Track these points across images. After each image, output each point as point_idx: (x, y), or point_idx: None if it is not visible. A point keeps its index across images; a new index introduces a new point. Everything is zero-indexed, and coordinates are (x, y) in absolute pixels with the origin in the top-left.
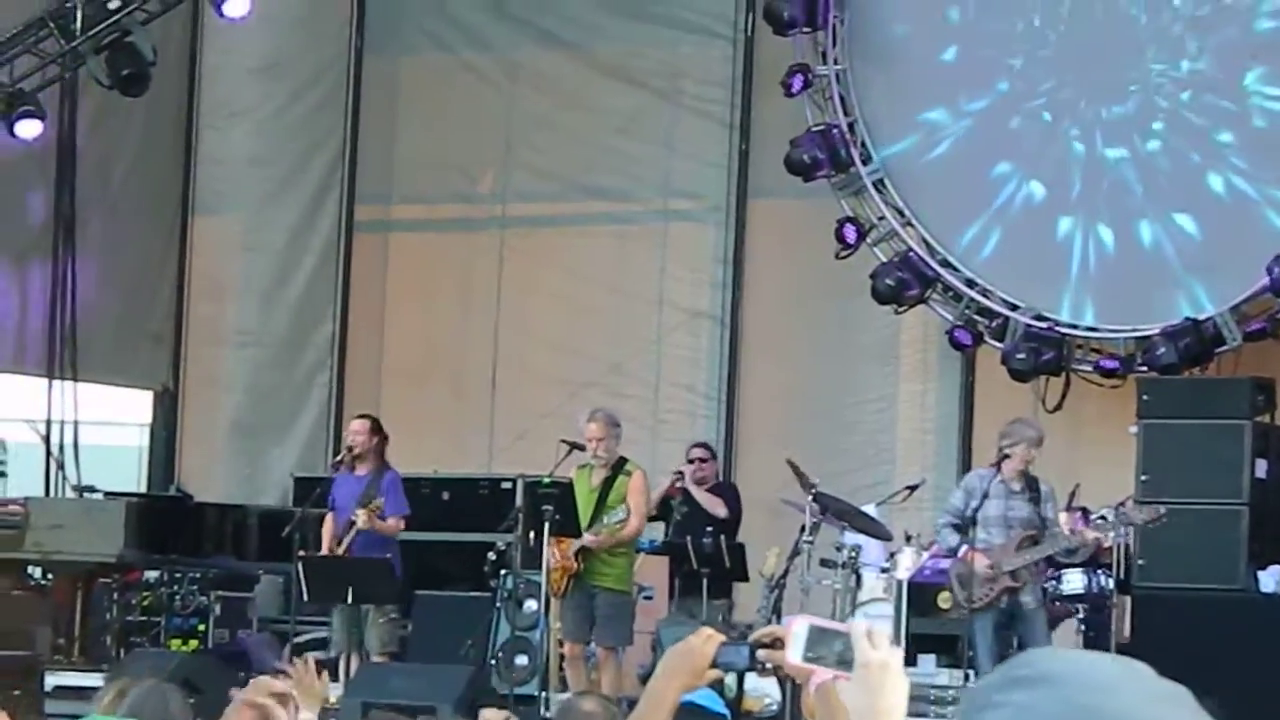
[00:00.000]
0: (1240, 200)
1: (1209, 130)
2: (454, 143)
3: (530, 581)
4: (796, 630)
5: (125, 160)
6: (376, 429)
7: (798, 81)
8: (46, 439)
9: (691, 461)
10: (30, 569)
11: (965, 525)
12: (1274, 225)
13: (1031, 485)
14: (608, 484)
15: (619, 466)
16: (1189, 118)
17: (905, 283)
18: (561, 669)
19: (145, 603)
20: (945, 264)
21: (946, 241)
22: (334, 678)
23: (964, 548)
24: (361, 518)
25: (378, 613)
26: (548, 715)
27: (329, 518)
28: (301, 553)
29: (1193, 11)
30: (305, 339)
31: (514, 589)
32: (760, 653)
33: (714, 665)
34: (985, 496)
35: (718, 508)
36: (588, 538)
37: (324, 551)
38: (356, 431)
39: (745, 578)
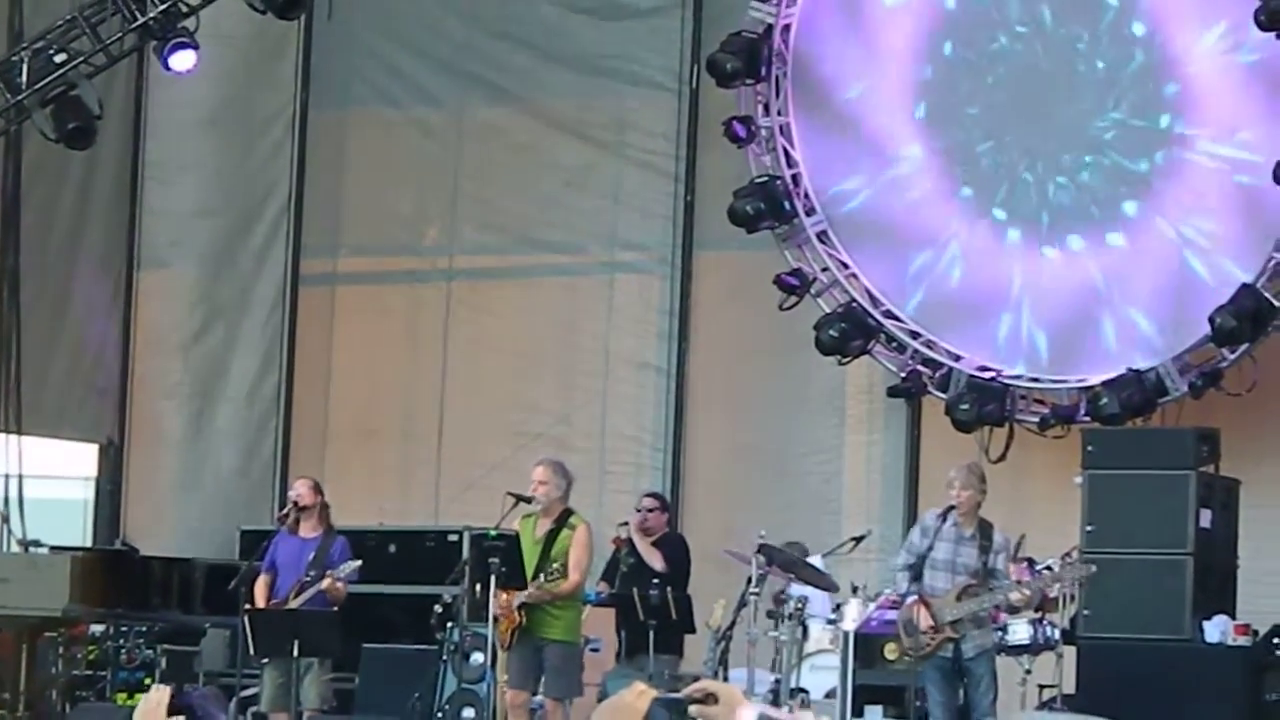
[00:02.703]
0: (1183, 255)
1: (1155, 187)
2: (400, 196)
3: (477, 634)
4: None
5: (70, 213)
6: (319, 490)
7: (741, 129)
8: None
9: (639, 510)
10: None
11: (922, 566)
12: (1216, 280)
13: (985, 533)
14: (552, 536)
15: (564, 519)
16: (1135, 176)
17: (849, 334)
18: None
19: (91, 657)
20: (889, 315)
21: (889, 292)
22: None
23: (913, 597)
24: (327, 583)
25: (318, 668)
26: None
27: (263, 579)
28: (248, 606)
29: (1138, 63)
30: (251, 392)
31: (460, 641)
32: (692, 708)
33: None
34: (938, 540)
35: (655, 560)
36: (528, 592)
37: None
38: (301, 487)
39: (692, 629)
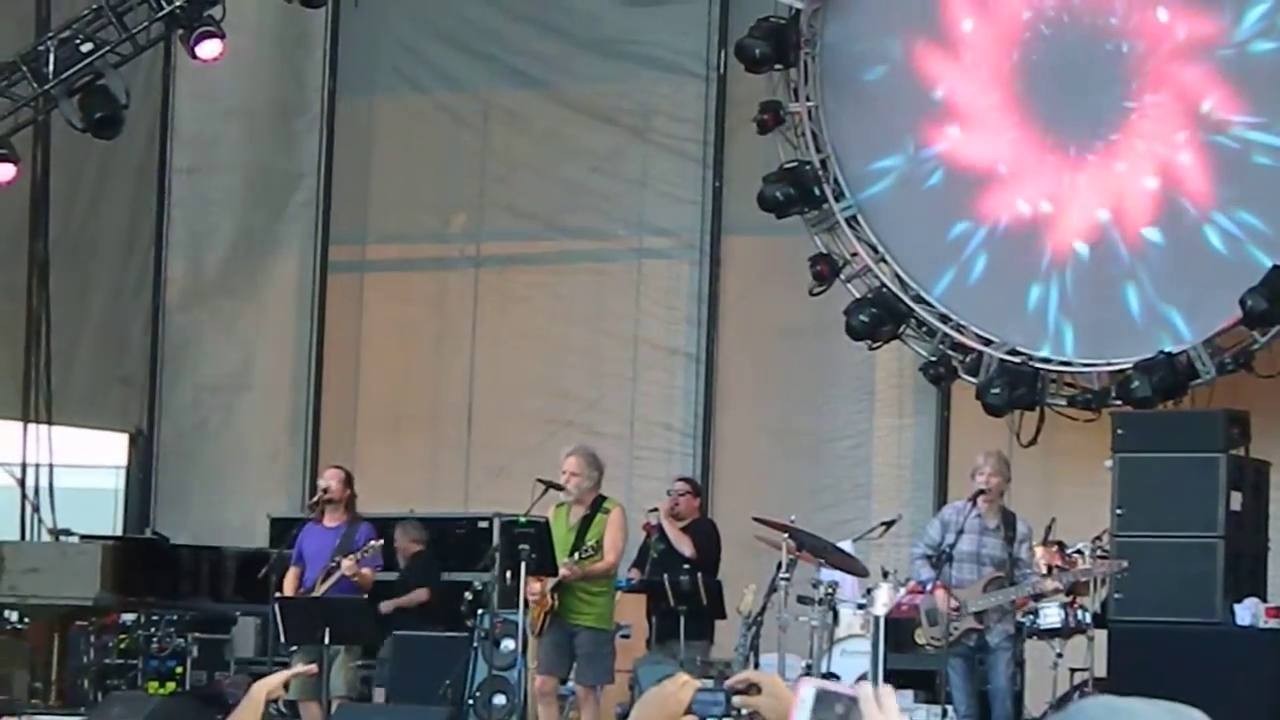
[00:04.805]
0: (1217, 237)
1: (1189, 170)
2: (428, 182)
3: (507, 621)
4: (803, 695)
5: (98, 203)
6: (349, 482)
7: (771, 119)
8: (22, 482)
9: (670, 494)
10: (6, 613)
11: (941, 558)
12: (1250, 262)
13: (1008, 523)
14: (586, 522)
15: (598, 505)
16: (1168, 156)
17: (879, 319)
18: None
19: (122, 645)
20: (919, 299)
21: (920, 277)
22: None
23: (931, 584)
24: (348, 565)
25: (346, 655)
26: None
27: (292, 572)
28: (278, 593)
29: (1170, 47)
30: (281, 379)
31: (491, 628)
32: (736, 699)
33: (689, 711)
34: (960, 531)
35: (685, 546)
36: (562, 570)
37: None
38: (332, 478)
39: (723, 615)
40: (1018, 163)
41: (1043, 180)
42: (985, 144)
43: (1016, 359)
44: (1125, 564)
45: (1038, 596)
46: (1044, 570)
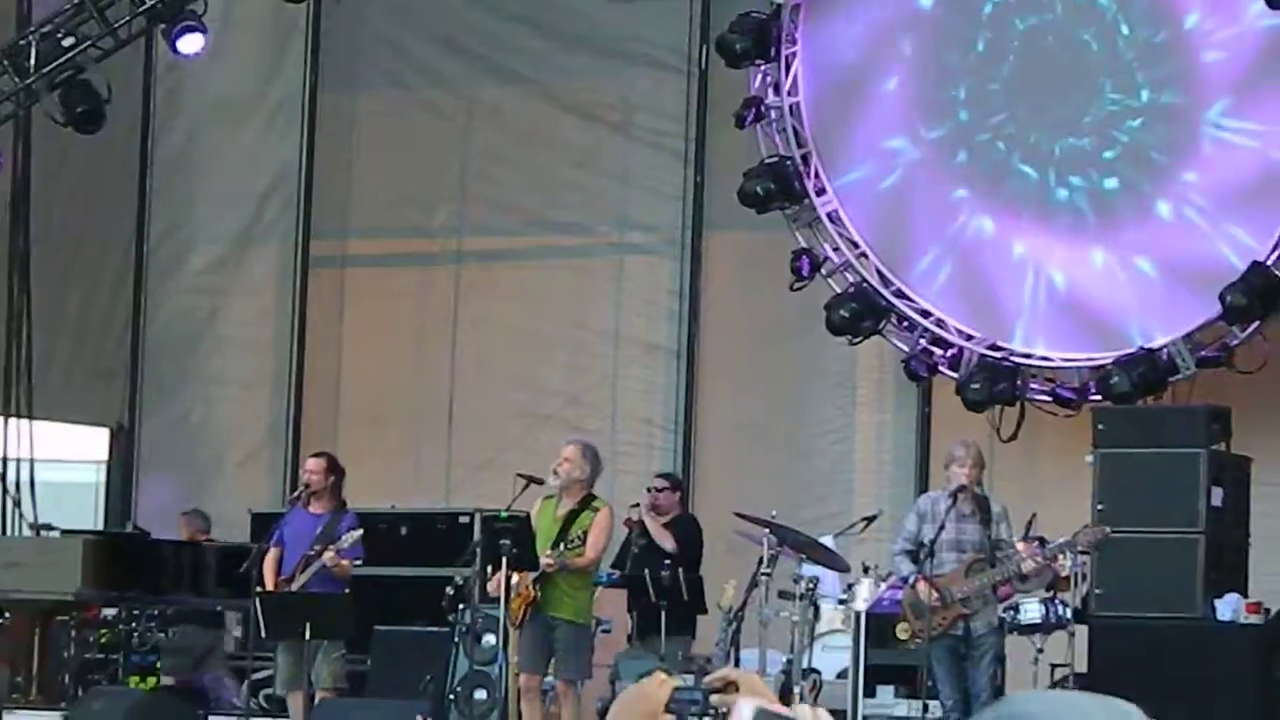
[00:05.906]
0: (1194, 233)
1: (1165, 163)
2: (410, 178)
3: (488, 616)
4: (742, 713)
5: (79, 197)
6: (333, 467)
7: (751, 114)
8: (2, 477)
9: (650, 490)
10: None
11: (920, 550)
12: (1226, 259)
13: (983, 507)
14: (572, 517)
15: (586, 502)
16: (1145, 151)
17: (859, 314)
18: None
19: (103, 640)
20: (899, 294)
21: (900, 272)
22: (280, 714)
23: (913, 576)
24: (329, 557)
25: (330, 647)
26: None
27: (272, 553)
28: (259, 588)
29: (1148, 38)
30: (262, 374)
31: (472, 623)
32: (714, 698)
33: (667, 710)
34: (940, 526)
35: (666, 541)
36: (544, 561)
37: (268, 587)
38: (313, 470)
39: (704, 610)
40: (997, 158)
41: (1021, 178)
42: (962, 141)
43: (997, 354)
44: (1108, 530)
45: (1022, 577)
46: (1020, 557)
